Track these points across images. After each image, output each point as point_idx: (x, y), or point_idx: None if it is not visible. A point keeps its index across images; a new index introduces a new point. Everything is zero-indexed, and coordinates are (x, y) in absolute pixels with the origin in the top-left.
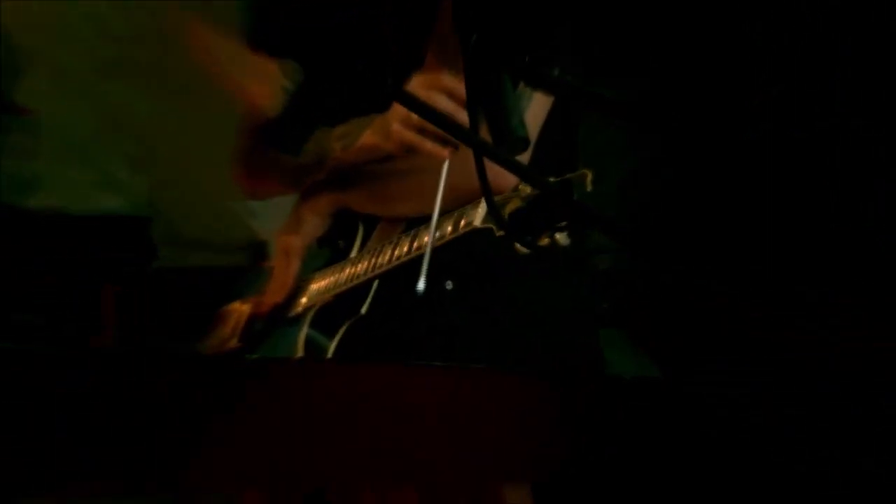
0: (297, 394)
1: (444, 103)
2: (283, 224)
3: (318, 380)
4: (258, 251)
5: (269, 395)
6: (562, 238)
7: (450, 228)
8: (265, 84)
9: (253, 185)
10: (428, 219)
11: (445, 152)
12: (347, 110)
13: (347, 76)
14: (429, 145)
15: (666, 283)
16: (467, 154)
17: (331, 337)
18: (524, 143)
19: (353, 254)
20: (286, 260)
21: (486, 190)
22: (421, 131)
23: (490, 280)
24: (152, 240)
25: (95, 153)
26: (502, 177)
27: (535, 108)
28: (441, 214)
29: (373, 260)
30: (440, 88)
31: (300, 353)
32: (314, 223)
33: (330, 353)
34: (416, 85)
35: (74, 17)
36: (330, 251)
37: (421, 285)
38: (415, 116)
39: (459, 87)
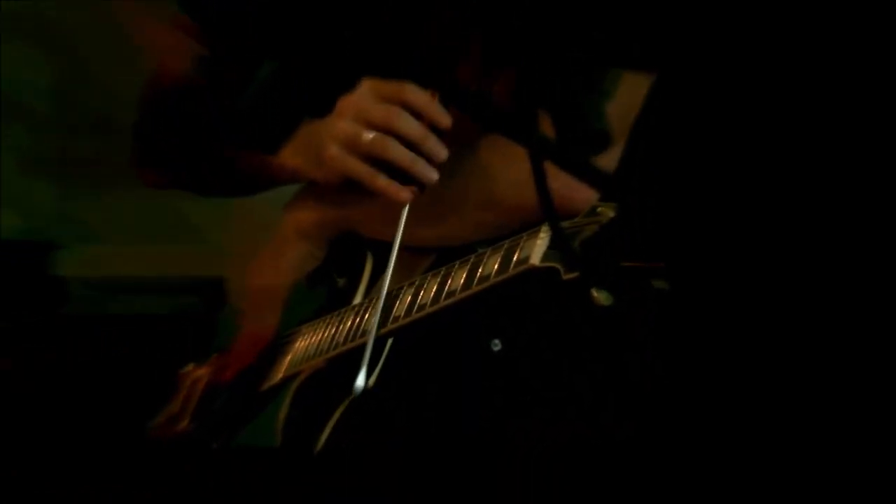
0: (272, 497)
1: (406, 126)
2: (258, 254)
3: (303, 479)
4: (215, 293)
5: (233, 499)
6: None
7: (496, 266)
8: (179, 47)
9: (144, 172)
10: (466, 251)
11: (405, 193)
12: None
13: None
14: (381, 182)
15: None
16: (518, 157)
17: (323, 420)
18: (602, 138)
19: (359, 298)
20: (260, 306)
21: (549, 210)
22: (370, 160)
23: (554, 340)
24: (62, 275)
25: None
26: (575, 192)
27: (624, 95)
28: (487, 244)
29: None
30: (401, 102)
31: (278, 440)
32: (303, 253)
33: (321, 444)
34: (366, 94)
35: None
36: (325, 294)
37: (360, 381)
38: (363, 139)
39: (430, 105)
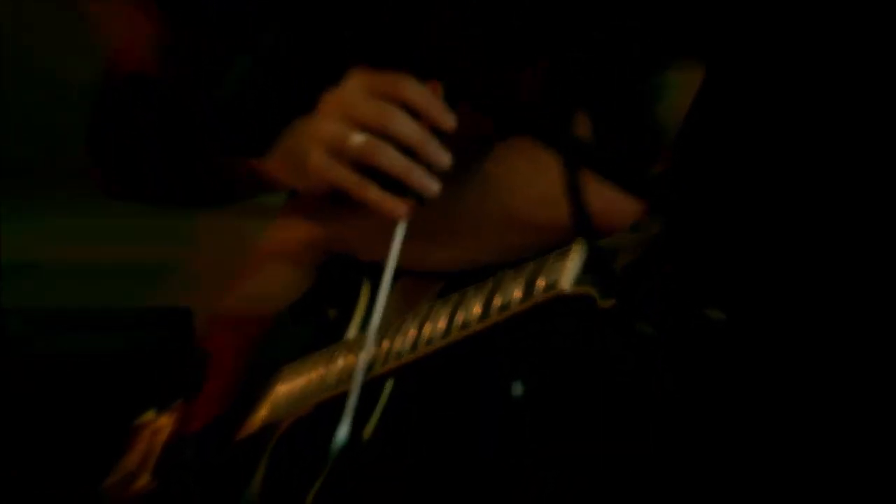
0: None
1: (401, 127)
2: (232, 280)
3: None
4: (179, 327)
5: None
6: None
7: (518, 293)
8: (142, 31)
9: (101, 179)
10: (482, 274)
11: (401, 207)
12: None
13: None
14: (372, 194)
15: None
16: (547, 164)
17: (309, 478)
18: (651, 141)
19: (353, 333)
20: (234, 342)
21: (584, 225)
22: (360, 167)
23: (587, 382)
24: None
25: None
26: (616, 206)
27: (679, 89)
28: (508, 267)
29: (385, 344)
30: (399, 99)
31: (256, 502)
32: (287, 279)
33: None
34: (355, 88)
35: None
36: (312, 328)
37: (343, 433)
38: (351, 142)
39: (430, 102)
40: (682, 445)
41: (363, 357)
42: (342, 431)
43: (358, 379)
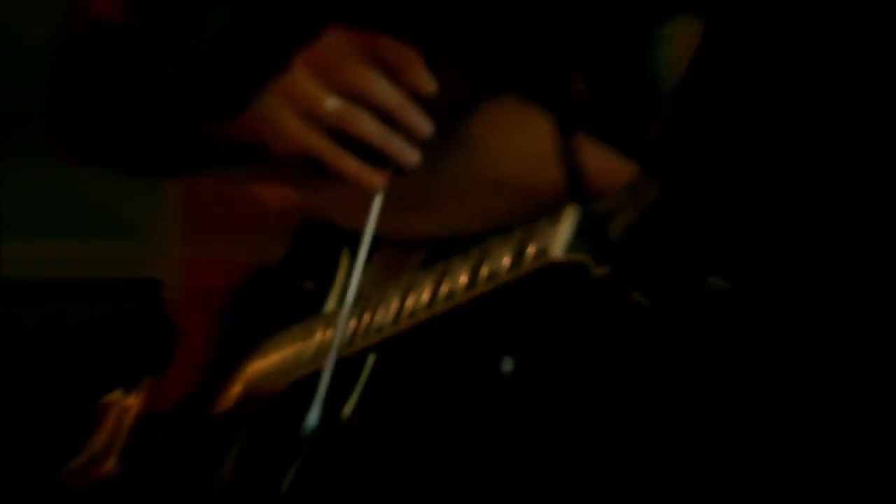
0: None
1: (379, 91)
2: (201, 248)
3: None
4: (147, 298)
5: None
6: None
7: (507, 261)
8: None
9: (59, 142)
10: (467, 242)
11: (377, 178)
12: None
13: None
14: (348, 164)
15: None
16: (538, 125)
17: (285, 459)
18: (652, 99)
19: (332, 305)
20: (205, 315)
21: (577, 188)
22: (336, 134)
23: (581, 356)
24: None
25: None
26: (611, 168)
27: (680, 43)
28: (495, 234)
29: (366, 317)
30: (375, 60)
31: (230, 481)
32: (260, 246)
33: (286, 486)
34: (331, 48)
35: None
36: (288, 300)
37: (313, 418)
38: (326, 107)
39: (411, 63)
40: (683, 421)
41: (339, 331)
42: (316, 409)
43: (333, 355)
